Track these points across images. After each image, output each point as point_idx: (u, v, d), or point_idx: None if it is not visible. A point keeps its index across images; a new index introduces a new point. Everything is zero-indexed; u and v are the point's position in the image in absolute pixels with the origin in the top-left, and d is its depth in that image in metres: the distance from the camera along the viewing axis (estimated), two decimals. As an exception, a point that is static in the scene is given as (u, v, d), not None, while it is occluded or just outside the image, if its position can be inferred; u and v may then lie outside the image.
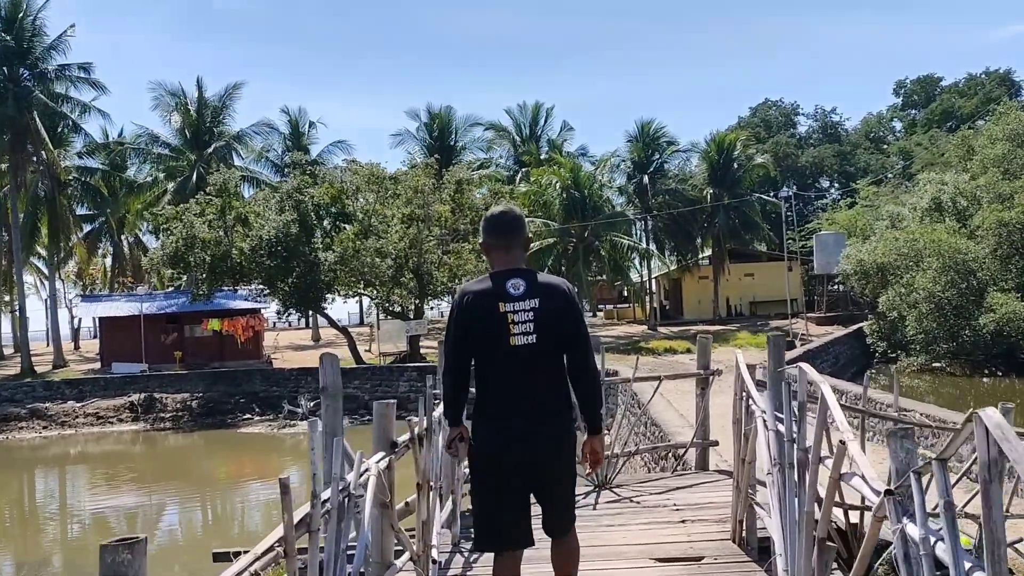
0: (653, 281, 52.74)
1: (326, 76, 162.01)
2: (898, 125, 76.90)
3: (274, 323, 46.24)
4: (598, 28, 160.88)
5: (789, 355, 28.03)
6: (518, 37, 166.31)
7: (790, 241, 58.26)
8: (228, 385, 32.99)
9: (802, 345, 32.36)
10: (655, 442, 12.24)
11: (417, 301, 34.74)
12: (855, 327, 39.31)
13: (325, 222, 34.21)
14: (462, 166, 37.51)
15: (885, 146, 71.79)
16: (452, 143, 51.45)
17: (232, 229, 32.62)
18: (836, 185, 68.12)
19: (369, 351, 37.31)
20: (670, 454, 10.06)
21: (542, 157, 49.84)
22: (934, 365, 32.12)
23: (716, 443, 8.33)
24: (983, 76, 70.65)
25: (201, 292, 32.89)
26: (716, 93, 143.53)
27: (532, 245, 40.83)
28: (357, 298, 39.20)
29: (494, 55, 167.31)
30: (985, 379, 30.67)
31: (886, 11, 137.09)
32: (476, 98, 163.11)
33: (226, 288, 35.78)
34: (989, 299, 30.77)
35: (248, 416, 31.54)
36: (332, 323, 38.32)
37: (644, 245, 48.20)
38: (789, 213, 62.25)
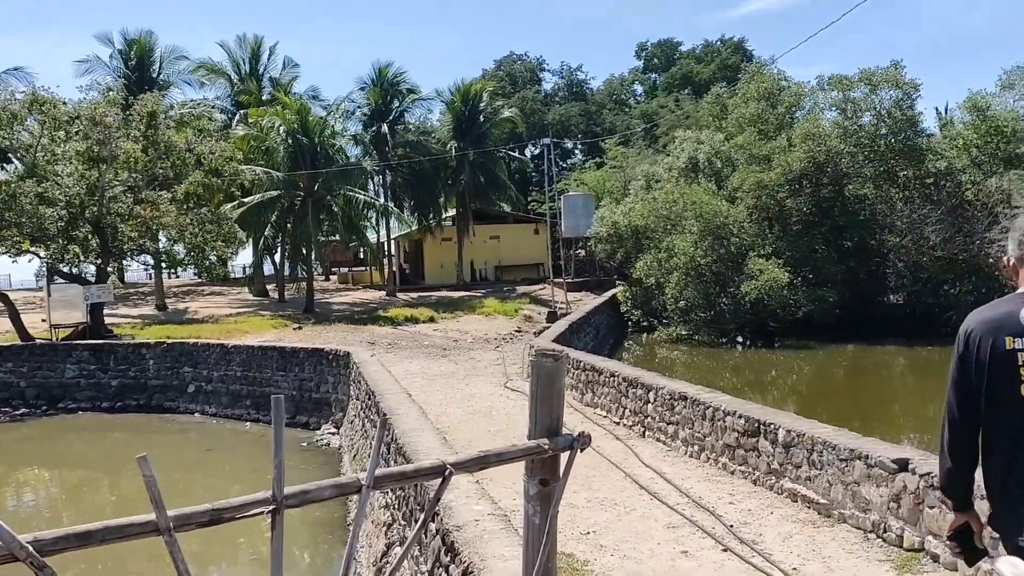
0: (392, 242, 48.15)
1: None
2: (639, 88, 76.80)
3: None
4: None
5: (555, 327, 24.53)
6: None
7: (535, 203, 55.76)
8: None
9: (563, 316, 29.02)
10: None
11: (99, 261, 27.95)
12: (608, 294, 36.80)
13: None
14: (156, 96, 30.67)
15: (628, 108, 71.11)
16: (154, 75, 43.72)
17: None
18: (581, 146, 66.51)
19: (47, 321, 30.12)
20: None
21: (264, 98, 43.59)
22: (693, 336, 30.01)
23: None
24: (719, 44, 71.62)
25: None
26: (459, 52, 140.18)
27: (251, 198, 35.65)
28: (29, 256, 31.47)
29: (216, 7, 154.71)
30: (738, 348, 28.95)
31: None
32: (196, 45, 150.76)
33: None
34: (750, 265, 28.88)
35: None
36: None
37: (382, 202, 43.37)
38: (535, 173, 59.89)
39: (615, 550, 7.90)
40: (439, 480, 3.12)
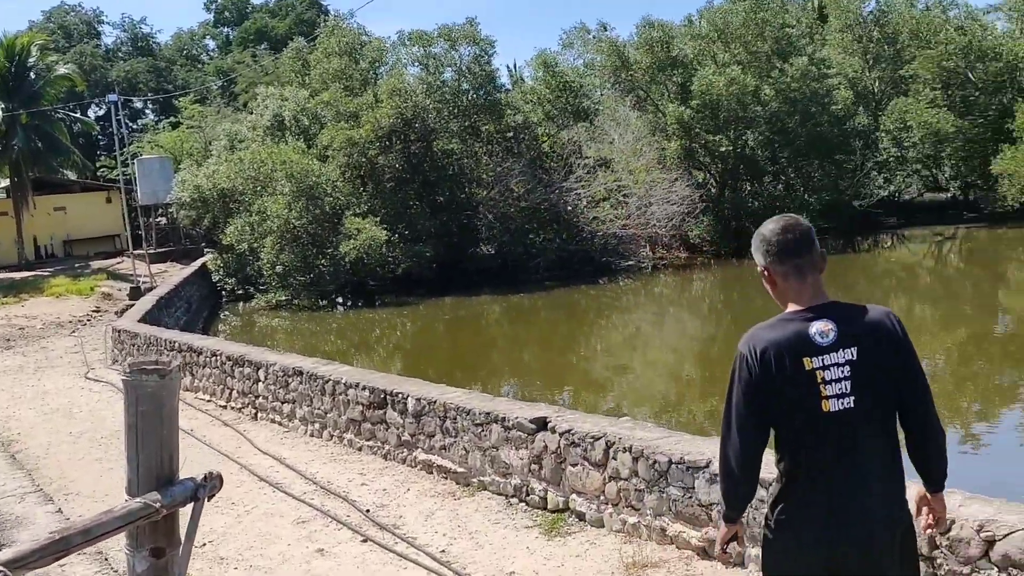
0: (-72, 221, 41.16)
1: None
2: (212, 43, 72.78)
3: None
4: None
5: (141, 304, 22.11)
6: None
7: (105, 169, 50.83)
8: None
9: (148, 291, 26.42)
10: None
11: None
12: (198, 263, 34.33)
13: None
14: None
15: (201, 64, 66.96)
16: None
17: None
18: (152, 105, 61.51)
19: None
20: None
21: None
22: (293, 301, 28.90)
23: None
24: (292, -3, 69.92)
25: None
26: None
27: None
28: None
29: None
30: (339, 309, 28.49)
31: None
32: None
33: None
34: (346, 224, 28.29)
35: None
36: None
37: (-88, 173, 36.79)
38: (102, 136, 54.39)
39: (239, 561, 6.85)
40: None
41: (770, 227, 3.05)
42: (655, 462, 5.99)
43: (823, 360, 2.86)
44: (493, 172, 31.22)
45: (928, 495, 3.12)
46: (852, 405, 2.86)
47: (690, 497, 5.76)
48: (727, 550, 3.19)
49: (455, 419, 7.95)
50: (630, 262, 30.49)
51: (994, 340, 18.01)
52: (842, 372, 2.85)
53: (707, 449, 5.80)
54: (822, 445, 2.88)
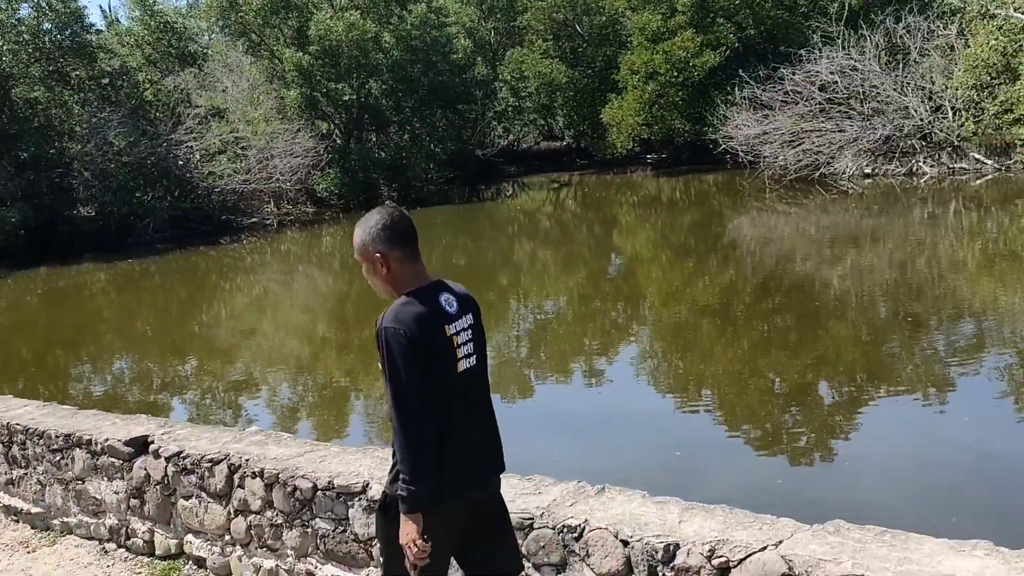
0: None
1: None
2: None
3: None
4: None
5: None
6: None
7: None
8: None
9: None
10: None
11: None
12: None
13: None
14: None
15: None
16: None
17: None
18: None
19: None
20: None
21: None
22: None
23: None
24: None
25: None
26: None
27: None
28: None
29: None
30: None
31: None
32: None
33: None
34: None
35: None
36: None
37: None
38: None
39: None
40: None
41: (384, 215, 3.14)
42: (295, 489, 4.63)
43: (456, 326, 3.10)
44: (88, 123, 27.48)
45: None
46: (475, 363, 3.15)
47: (343, 531, 4.48)
48: (421, 546, 2.99)
49: (24, 444, 6.02)
50: (253, 219, 28.54)
51: (609, 280, 18.66)
52: (468, 335, 3.13)
53: (363, 467, 4.55)
54: (457, 402, 3.08)
